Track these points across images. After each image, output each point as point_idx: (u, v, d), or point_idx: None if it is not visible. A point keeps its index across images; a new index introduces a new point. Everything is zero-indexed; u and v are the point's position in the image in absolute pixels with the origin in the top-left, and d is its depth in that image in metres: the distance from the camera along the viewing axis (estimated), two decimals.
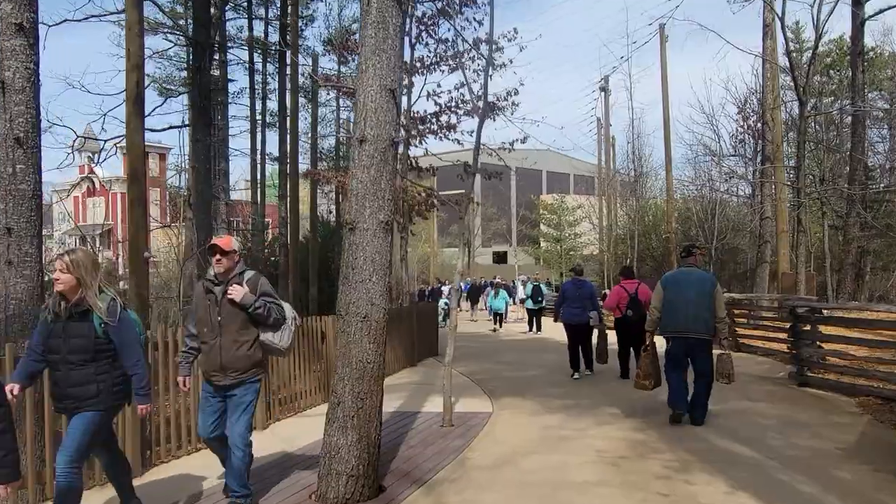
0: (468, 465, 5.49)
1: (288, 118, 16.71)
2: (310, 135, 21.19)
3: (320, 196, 24.08)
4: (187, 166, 17.73)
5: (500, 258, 53.28)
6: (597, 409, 7.53)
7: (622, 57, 52.94)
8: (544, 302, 18.44)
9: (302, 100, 23.09)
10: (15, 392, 3.72)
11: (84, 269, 3.75)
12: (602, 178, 32.29)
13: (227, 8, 19.09)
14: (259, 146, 22.57)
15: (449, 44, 13.80)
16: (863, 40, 18.48)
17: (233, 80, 25.90)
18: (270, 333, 4.42)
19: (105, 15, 15.34)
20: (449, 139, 14.55)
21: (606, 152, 32.19)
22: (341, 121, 25.35)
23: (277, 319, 4.39)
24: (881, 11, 16.91)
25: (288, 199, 17.23)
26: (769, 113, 17.46)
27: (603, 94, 30.47)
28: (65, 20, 14.88)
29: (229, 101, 25.35)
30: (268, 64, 22.36)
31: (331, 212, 27.95)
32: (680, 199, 28.58)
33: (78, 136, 15.60)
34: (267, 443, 6.44)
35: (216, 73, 20.83)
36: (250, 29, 19.87)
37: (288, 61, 16.33)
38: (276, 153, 19.79)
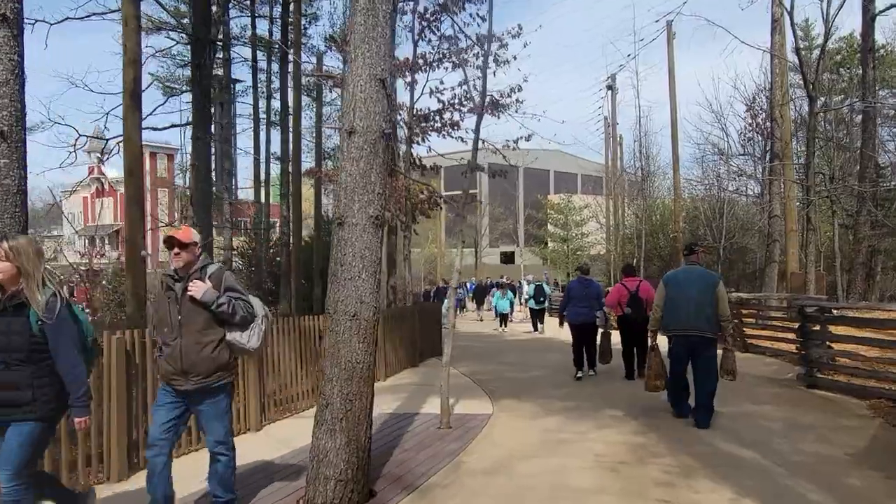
0: (463, 469, 5.32)
1: (290, 116, 16.57)
2: (314, 133, 21.06)
3: (325, 195, 23.96)
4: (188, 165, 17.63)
5: (508, 258, 53.03)
6: (598, 412, 7.34)
7: (629, 55, 52.61)
8: (546, 302, 18.24)
9: (307, 99, 22.99)
10: None
11: (26, 257, 3.40)
12: (609, 177, 32.03)
13: (230, 6, 19.02)
14: (263, 145, 22.49)
15: (452, 40, 13.66)
16: (873, 36, 18.15)
17: (240, 81, 25.90)
18: (238, 333, 4.04)
19: (106, 13, 15.32)
20: (452, 137, 14.40)
21: (614, 151, 31.93)
22: None
23: (245, 317, 4.02)
24: (892, 6, 16.62)
25: (290, 198, 17.10)
26: (778, 110, 17.17)
27: (610, 92, 30.22)
28: (66, 18, 14.85)
29: (235, 100, 25.39)
30: (272, 63, 22.25)
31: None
32: (688, 199, 28.30)
33: (80, 135, 15.58)
34: (260, 445, 6.30)
35: (220, 71, 20.80)
36: (253, 27, 19.77)
37: (290, 59, 16.20)
38: (280, 152, 19.65)
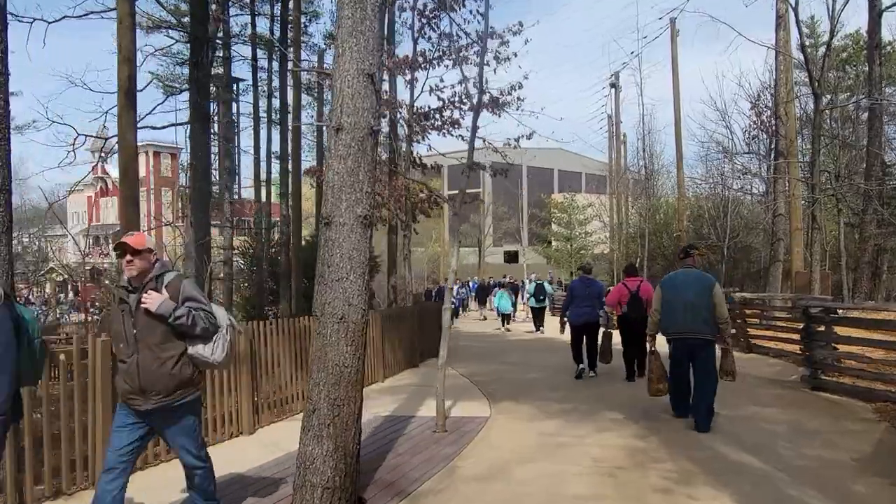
0: (457, 474, 5.19)
1: (290, 115, 16.46)
2: (315, 132, 20.94)
3: None
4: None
5: (512, 257, 52.90)
6: (597, 414, 7.20)
7: (632, 52, 52.12)
8: (547, 301, 18.11)
9: (308, 98, 22.89)
10: None
11: None
12: (612, 176, 31.84)
13: (230, 4, 18.92)
14: (265, 144, 22.39)
15: (453, 38, 13.50)
16: (880, 33, 17.90)
17: (242, 80, 25.81)
18: (200, 345, 3.72)
19: (105, 11, 15.23)
20: (453, 135, 14.22)
21: (617, 150, 31.75)
22: None
23: (207, 328, 3.69)
24: None
25: (290, 197, 17.00)
26: (782, 107, 16.96)
27: (613, 90, 30.02)
28: (64, 17, 14.78)
29: (238, 98, 25.31)
30: (273, 61, 22.15)
31: None
32: (692, 197, 28.09)
33: (79, 135, 15.50)
34: (251, 448, 6.19)
35: (220, 70, 20.71)
36: (253, 26, 19.67)
37: (290, 58, 16.08)
38: (280, 151, 19.55)
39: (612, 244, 32.05)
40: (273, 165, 23.50)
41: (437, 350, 13.09)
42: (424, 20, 13.45)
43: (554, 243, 45.20)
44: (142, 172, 51.89)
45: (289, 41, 16.98)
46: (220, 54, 19.99)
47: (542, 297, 17.87)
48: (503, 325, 20.63)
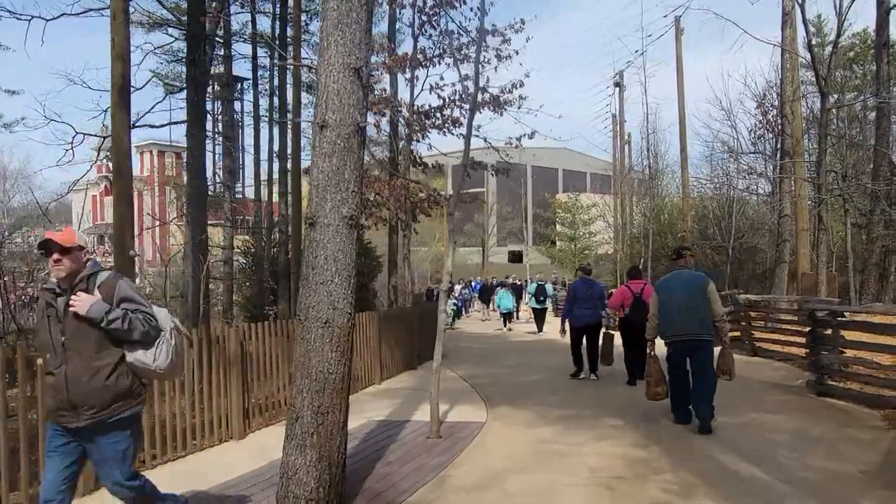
0: (448, 484, 5.00)
1: (289, 113, 16.31)
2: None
3: None
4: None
5: (516, 257, 52.66)
6: (596, 420, 7.00)
7: (637, 51, 51.92)
8: (547, 302, 17.94)
9: (309, 97, 22.72)
10: None
11: None
12: (617, 176, 31.60)
13: (230, 1, 18.77)
14: (266, 143, 22.25)
15: (454, 35, 13.33)
16: (888, 30, 17.65)
17: (245, 79, 25.65)
18: (141, 352, 3.33)
19: (103, 8, 15.07)
20: (453, 134, 14.05)
21: (622, 149, 31.51)
22: None
23: (147, 332, 3.32)
24: None
25: (290, 196, 16.84)
26: (788, 105, 16.70)
27: (618, 89, 29.78)
28: (63, 14, 14.65)
29: (242, 97, 25.17)
30: (274, 59, 22.00)
31: None
32: (696, 197, 27.81)
33: (77, 133, 15.38)
34: (239, 455, 6.03)
35: (221, 68, 20.57)
36: (253, 23, 19.53)
37: (290, 56, 15.92)
38: (279, 149, 19.40)
39: (616, 245, 31.80)
40: (275, 164, 23.35)
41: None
42: (425, 17, 13.29)
43: (558, 243, 45.00)
44: (146, 172, 52.09)
45: (289, 39, 16.83)
46: (221, 52, 19.89)
47: (542, 299, 17.70)
48: (505, 326, 20.46)
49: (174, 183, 36.49)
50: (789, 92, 16.58)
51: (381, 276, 21.87)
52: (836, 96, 23.11)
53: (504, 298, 20.70)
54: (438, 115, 14.01)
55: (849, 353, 8.12)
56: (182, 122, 16.07)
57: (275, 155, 22.42)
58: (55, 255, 3.27)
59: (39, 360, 4.92)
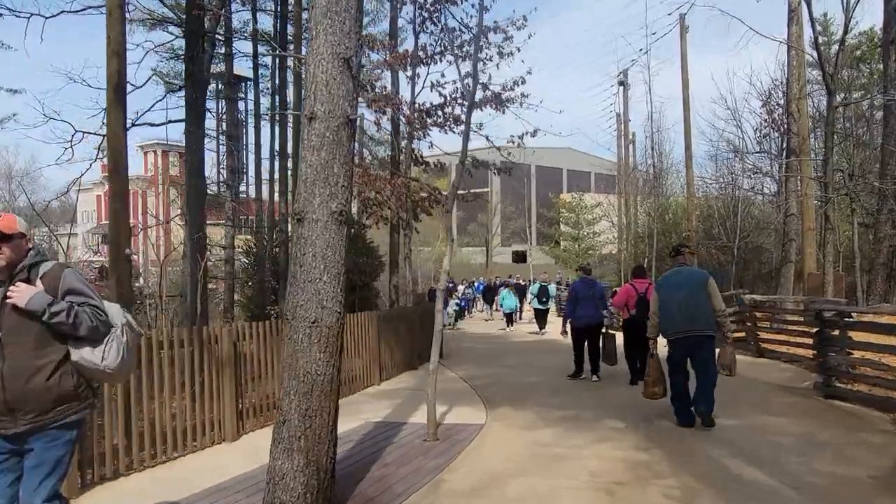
0: (443, 489, 4.85)
1: (289, 111, 16.19)
2: None
3: None
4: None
5: (520, 257, 52.50)
6: (598, 422, 6.84)
7: (641, 49, 51.80)
8: (549, 302, 17.77)
9: None
10: None
11: None
12: (621, 175, 31.39)
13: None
14: (268, 142, 22.17)
15: (455, 32, 13.18)
16: (895, 28, 17.42)
17: (248, 79, 25.55)
18: (88, 349, 2.99)
19: (102, 6, 14.98)
20: (454, 132, 13.89)
21: (626, 148, 31.30)
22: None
23: (95, 328, 2.99)
24: None
25: (289, 195, 16.73)
26: (795, 103, 16.46)
27: (622, 88, 29.59)
28: (62, 11, 14.59)
29: (245, 97, 25.08)
30: (276, 57, 21.88)
31: None
32: (701, 197, 27.57)
33: (77, 131, 15.28)
34: (231, 457, 5.90)
35: (223, 67, 20.48)
36: (254, 21, 19.40)
37: (290, 53, 15.80)
38: (279, 148, 19.29)
39: (621, 244, 31.58)
40: (276, 163, 23.24)
41: (439, 351, 12.86)
42: (426, 14, 13.15)
43: (562, 243, 44.80)
44: (150, 171, 52.14)
45: (290, 38, 16.70)
46: (223, 51, 19.79)
47: (545, 299, 17.53)
48: (508, 326, 20.30)
49: (178, 183, 36.43)
50: (795, 89, 16.35)
51: (382, 276, 21.76)
52: (842, 95, 22.85)
53: (507, 298, 20.54)
54: (440, 112, 13.88)
55: (856, 354, 7.93)
56: (181, 120, 15.96)
57: (276, 154, 22.33)
58: None
59: None
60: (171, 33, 19.15)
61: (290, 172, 16.68)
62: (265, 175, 23.30)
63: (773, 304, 13.10)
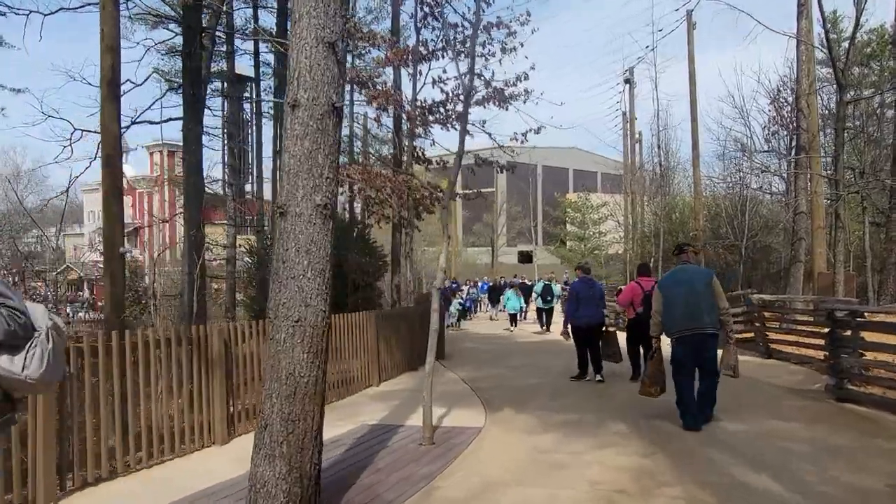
0: (435, 497, 4.63)
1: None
2: None
3: None
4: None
5: (525, 257, 52.26)
6: (600, 426, 6.60)
7: (647, 46, 51.42)
8: (553, 301, 17.57)
9: None
10: None
11: None
12: (627, 174, 31.10)
13: None
14: (270, 140, 22.02)
15: (458, 28, 12.99)
16: None
17: (250, 78, 25.41)
18: (6, 356, 2.58)
19: (99, 2, 14.87)
20: (456, 129, 13.67)
21: (632, 147, 31.00)
22: (355, 115, 24.72)
23: (13, 332, 2.57)
24: None
25: None
26: (804, 99, 16.15)
27: (628, 86, 29.29)
28: (61, 8, 14.45)
29: (250, 97, 24.92)
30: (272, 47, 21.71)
31: (345, 209, 27.27)
32: (709, 196, 27.24)
33: (76, 129, 15.15)
34: (219, 462, 5.69)
35: (224, 66, 20.31)
36: (255, 18, 19.26)
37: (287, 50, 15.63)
38: (279, 147, 19.09)
39: (627, 244, 31.27)
40: (278, 162, 23.06)
41: (440, 353, 12.65)
42: (427, 9, 12.94)
43: (568, 243, 44.54)
44: (155, 171, 52.12)
45: (287, 32, 16.54)
46: (224, 49, 19.64)
47: (549, 298, 17.34)
48: (512, 326, 20.08)
49: (180, 182, 36.36)
50: (805, 85, 16.05)
51: (386, 276, 21.58)
52: (852, 92, 22.50)
53: (511, 299, 20.32)
54: (441, 109, 13.66)
55: (869, 355, 7.66)
56: (180, 118, 15.81)
57: (277, 153, 22.17)
58: None
59: None
60: (172, 31, 19.02)
61: None
62: (267, 174, 23.13)
63: (783, 304, 12.82)
